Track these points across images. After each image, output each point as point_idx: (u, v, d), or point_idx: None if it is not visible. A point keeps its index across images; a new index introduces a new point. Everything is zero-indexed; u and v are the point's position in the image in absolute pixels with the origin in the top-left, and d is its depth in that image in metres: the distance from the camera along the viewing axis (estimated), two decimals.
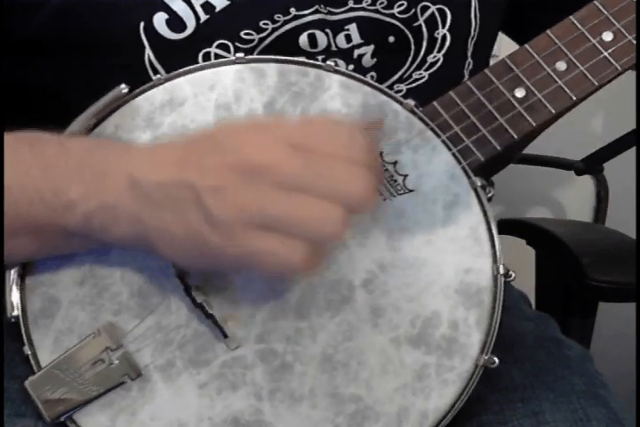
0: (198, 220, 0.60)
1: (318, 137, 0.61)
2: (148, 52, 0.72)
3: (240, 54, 0.69)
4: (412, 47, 0.78)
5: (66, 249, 0.67)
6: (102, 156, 0.64)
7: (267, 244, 0.59)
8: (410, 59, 0.78)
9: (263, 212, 0.59)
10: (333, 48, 0.75)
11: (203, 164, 0.60)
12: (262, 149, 0.59)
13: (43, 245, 0.66)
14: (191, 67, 0.70)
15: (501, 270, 0.68)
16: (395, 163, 0.69)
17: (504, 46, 0.94)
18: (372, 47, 0.76)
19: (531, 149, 1.09)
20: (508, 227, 1.14)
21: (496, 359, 0.67)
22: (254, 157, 0.59)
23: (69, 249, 0.67)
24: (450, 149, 0.69)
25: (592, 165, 1.41)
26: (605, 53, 0.69)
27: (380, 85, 0.70)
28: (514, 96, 0.69)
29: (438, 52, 0.79)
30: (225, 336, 0.67)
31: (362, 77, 0.70)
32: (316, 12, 0.73)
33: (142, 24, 0.71)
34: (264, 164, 0.59)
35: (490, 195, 0.69)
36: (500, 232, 0.69)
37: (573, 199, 1.67)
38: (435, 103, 0.69)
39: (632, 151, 1.26)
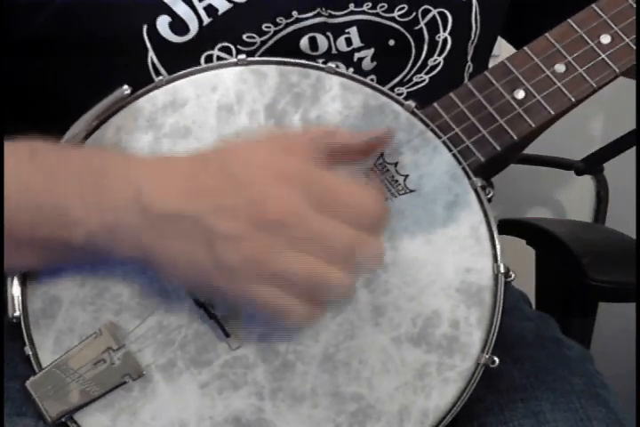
0: (206, 260, 0.61)
1: (341, 198, 0.62)
2: (151, 54, 0.72)
3: (242, 56, 0.69)
4: (413, 51, 0.78)
5: (69, 261, 0.67)
6: (103, 169, 0.63)
7: (269, 297, 0.61)
8: (410, 62, 0.78)
9: (271, 267, 0.60)
10: (334, 51, 0.75)
11: (220, 206, 0.60)
12: (282, 202, 0.60)
13: (45, 258, 0.66)
14: (193, 68, 0.70)
15: (502, 269, 0.68)
16: (396, 163, 0.69)
17: (504, 46, 0.94)
18: (372, 50, 0.76)
19: (531, 149, 1.09)
20: (508, 227, 1.14)
21: (496, 359, 0.67)
22: (272, 210, 0.60)
23: (72, 261, 0.68)
24: (450, 150, 0.69)
25: (592, 165, 1.40)
26: (603, 56, 0.70)
27: (380, 87, 0.70)
28: (513, 98, 0.69)
29: (439, 55, 0.79)
30: (227, 336, 0.67)
31: (363, 79, 0.70)
32: (318, 15, 0.73)
33: (145, 27, 0.71)
34: (280, 219, 0.60)
35: (490, 195, 0.69)
36: (500, 232, 0.69)
37: (573, 199, 1.67)
38: (435, 104, 0.70)
39: (632, 151, 1.26)
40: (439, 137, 0.69)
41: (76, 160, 0.65)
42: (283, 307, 0.62)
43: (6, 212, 0.63)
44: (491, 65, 0.87)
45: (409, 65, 0.78)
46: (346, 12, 0.75)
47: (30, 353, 0.68)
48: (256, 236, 0.60)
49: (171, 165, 0.64)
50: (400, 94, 0.78)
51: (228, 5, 0.72)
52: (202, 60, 0.72)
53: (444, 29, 0.78)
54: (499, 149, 0.69)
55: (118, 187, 0.62)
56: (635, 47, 0.70)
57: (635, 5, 0.70)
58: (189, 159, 0.64)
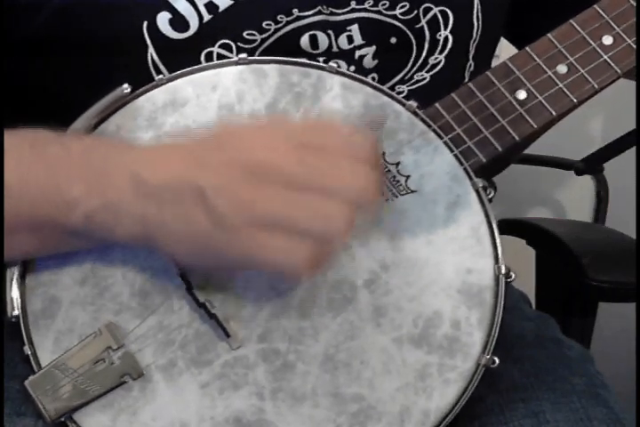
0: (202, 218, 0.60)
1: (323, 136, 0.61)
2: (151, 51, 0.72)
3: (243, 55, 0.69)
4: (414, 49, 0.78)
5: (67, 247, 0.67)
6: (104, 154, 0.64)
7: (271, 242, 0.59)
8: (411, 60, 0.78)
9: (268, 211, 0.59)
10: (335, 49, 0.75)
11: (207, 162, 0.60)
12: (268, 148, 0.60)
13: (44, 242, 0.66)
14: (193, 67, 0.70)
15: (503, 270, 0.68)
16: (397, 164, 0.69)
17: (504, 47, 0.94)
18: (373, 48, 0.76)
19: (531, 149, 1.09)
20: (508, 227, 1.14)
21: (497, 359, 0.67)
22: (259, 156, 0.59)
23: (71, 247, 0.67)
24: (452, 151, 0.69)
25: (592, 165, 1.41)
26: (605, 57, 0.70)
27: (381, 86, 0.70)
28: (515, 98, 0.69)
29: (440, 53, 0.79)
30: (227, 336, 0.67)
31: (364, 78, 0.70)
32: (319, 12, 0.73)
33: (145, 23, 0.71)
34: (269, 162, 0.59)
35: (490, 196, 0.69)
36: (500, 232, 0.69)
37: (573, 199, 1.67)
38: (437, 105, 0.70)
39: (632, 151, 1.26)
40: (441, 137, 0.69)
41: (77, 145, 0.65)
42: (284, 250, 0.60)
43: (8, 195, 0.63)
44: (492, 64, 0.88)
45: (410, 63, 0.78)
46: (347, 9, 0.75)
47: (29, 353, 0.68)
48: (246, 182, 0.59)
49: (167, 147, 0.64)
50: (401, 92, 0.78)
51: (229, 2, 0.72)
52: (202, 57, 0.72)
53: (445, 28, 0.78)
54: (500, 149, 0.69)
55: (117, 168, 0.62)
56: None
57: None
58: (186, 142, 0.64)
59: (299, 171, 0.59)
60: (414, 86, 0.79)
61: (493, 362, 0.67)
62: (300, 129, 0.62)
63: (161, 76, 0.70)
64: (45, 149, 0.64)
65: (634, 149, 1.25)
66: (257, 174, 0.59)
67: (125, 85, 0.68)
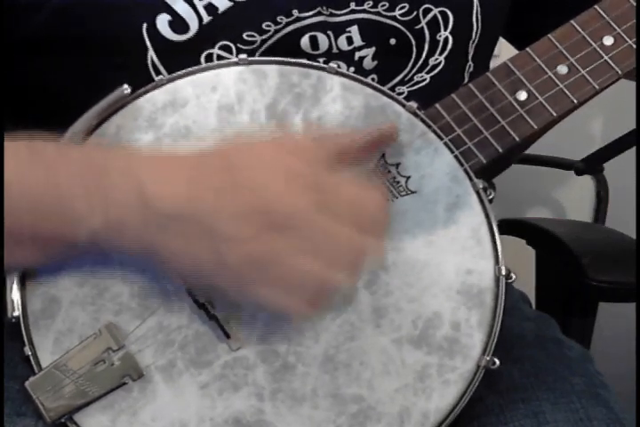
0: (209, 260, 0.61)
1: (347, 202, 0.62)
2: (151, 53, 0.71)
3: (243, 55, 0.69)
4: (414, 50, 0.77)
5: (67, 258, 0.67)
6: (105, 167, 0.63)
7: (271, 298, 0.62)
8: (411, 61, 0.78)
9: (273, 270, 0.61)
10: (334, 50, 0.75)
11: (222, 206, 0.60)
12: (286, 202, 0.60)
13: (47, 254, 0.66)
14: (193, 68, 0.70)
15: (503, 271, 0.68)
16: (397, 164, 0.69)
17: (504, 47, 0.94)
18: (373, 49, 0.76)
19: (531, 149, 1.09)
20: (508, 227, 1.14)
21: (497, 361, 0.67)
22: (279, 214, 0.60)
23: (71, 258, 0.67)
24: (452, 151, 0.69)
25: (592, 165, 1.40)
26: (606, 57, 0.70)
27: (382, 87, 0.70)
28: (515, 99, 0.69)
29: (440, 54, 0.79)
30: (227, 337, 0.67)
31: (364, 79, 0.70)
32: (318, 13, 0.73)
33: (145, 25, 0.71)
34: (284, 221, 0.60)
35: (491, 197, 0.69)
36: (500, 232, 0.69)
37: (573, 199, 1.67)
38: (437, 105, 0.70)
39: (632, 151, 1.26)
40: (441, 138, 0.69)
41: (76, 157, 0.64)
42: (284, 308, 0.62)
43: (8, 209, 0.62)
44: (491, 65, 0.88)
45: (410, 64, 0.78)
46: (347, 10, 0.74)
47: (30, 353, 0.68)
48: (259, 237, 0.60)
49: (174, 163, 0.64)
50: (401, 93, 0.78)
51: (229, 4, 0.72)
52: (202, 58, 0.72)
53: (445, 28, 0.78)
54: (500, 150, 0.69)
55: (121, 184, 0.62)
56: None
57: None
58: (193, 158, 0.64)
59: (311, 235, 0.61)
60: (414, 87, 0.79)
61: (494, 363, 0.67)
62: (325, 184, 0.62)
63: (161, 77, 0.70)
64: (45, 163, 0.64)
65: (634, 149, 1.25)
66: (270, 231, 0.60)
67: (125, 86, 0.68)
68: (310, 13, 0.73)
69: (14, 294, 0.68)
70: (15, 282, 0.68)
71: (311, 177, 0.62)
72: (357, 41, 0.75)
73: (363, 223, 0.62)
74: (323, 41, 0.74)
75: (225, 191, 0.61)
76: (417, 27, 0.77)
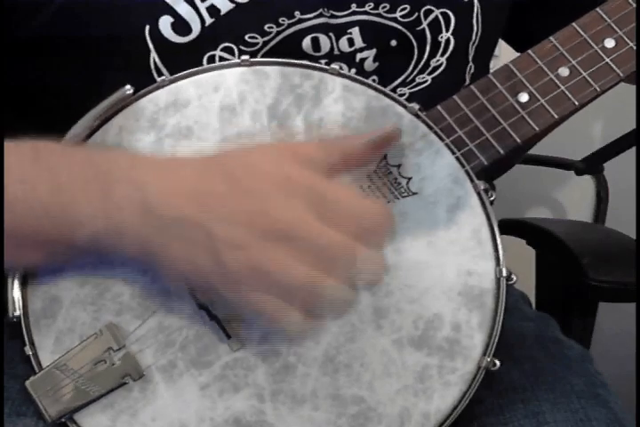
0: (208, 265, 0.61)
1: (347, 212, 0.62)
2: (153, 55, 0.71)
3: (245, 57, 0.69)
4: (415, 51, 0.77)
5: (69, 261, 0.68)
6: (108, 170, 0.63)
7: (267, 305, 0.62)
8: (413, 63, 0.78)
9: (274, 279, 0.61)
10: (336, 52, 0.75)
11: (224, 213, 0.61)
12: (287, 212, 0.61)
13: (48, 256, 0.66)
14: (196, 69, 0.70)
15: (504, 273, 0.68)
16: (399, 166, 0.69)
17: (504, 48, 0.94)
18: (374, 51, 0.76)
19: (531, 149, 1.09)
20: (509, 227, 1.14)
21: (497, 362, 0.67)
22: (278, 220, 0.60)
23: (75, 260, 0.68)
24: (453, 153, 0.69)
25: (592, 165, 1.40)
26: (607, 60, 0.70)
27: (383, 89, 0.70)
28: (517, 101, 0.69)
29: (441, 55, 0.79)
30: (228, 337, 0.67)
31: (365, 80, 0.70)
32: (320, 15, 0.73)
33: (148, 27, 0.71)
34: (286, 230, 0.60)
35: (492, 198, 0.69)
36: (500, 233, 0.69)
37: (573, 199, 1.67)
38: (439, 107, 0.70)
39: (632, 151, 1.25)
40: (442, 140, 0.69)
41: (79, 160, 0.64)
42: (280, 316, 0.62)
43: (10, 211, 0.63)
44: (491, 65, 0.88)
45: (411, 65, 0.78)
46: (348, 12, 0.74)
47: (30, 353, 0.68)
48: (259, 245, 0.60)
49: (176, 168, 0.64)
50: (402, 95, 0.78)
51: (231, 6, 0.72)
52: (204, 60, 0.72)
53: (447, 30, 0.78)
54: (502, 152, 0.69)
55: (123, 188, 0.62)
56: None
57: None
58: (195, 162, 0.64)
59: (313, 244, 0.61)
60: (415, 89, 0.79)
61: (494, 365, 0.67)
62: (326, 194, 0.62)
63: (163, 78, 0.70)
64: (48, 165, 0.64)
65: (634, 149, 1.25)
66: (271, 241, 0.60)
67: (128, 86, 0.68)
68: (312, 15, 0.73)
69: (15, 294, 0.68)
70: (16, 281, 0.68)
71: (309, 184, 0.62)
72: (359, 42, 0.75)
73: (363, 234, 0.62)
74: (324, 42, 0.74)
75: (226, 199, 0.61)
76: (418, 28, 0.77)
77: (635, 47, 0.70)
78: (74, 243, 0.63)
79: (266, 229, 0.60)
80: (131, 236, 0.62)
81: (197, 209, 0.61)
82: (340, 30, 0.74)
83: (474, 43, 0.81)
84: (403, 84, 0.78)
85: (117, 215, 0.61)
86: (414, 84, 0.79)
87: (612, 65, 0.69)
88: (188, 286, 0.66)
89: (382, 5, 0.75)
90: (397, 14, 0.76)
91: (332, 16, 0.74)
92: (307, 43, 0.73)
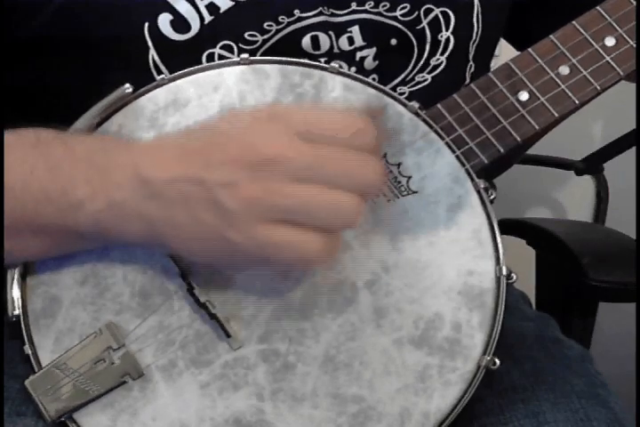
0: (212, 216, 0.60)
1: (325, 125, 0.61)
2: (152, 52, 0.71)
3: (245, 55, 0.69)
4: (415, 50, 0.78)
5: (71, 249, 0.67)
6: (106, 153, 0.63)
7: (283, 236, 0.60)
8: (413, 61, 0.78)
9: (276, 204, 0.59)
10: (336, 50, 0.75)
11: (210, 158, 0.60)
12: (270, 140, 0.59)
13: (48, 245, 0.66)
14: (195, 67, 0.70)
15: (504, 272, 0.68)
16: (399, 164, 0.69)
17: (505, 47, 0.94)
18: (374, 50, 0.76)
19: (531, 149, 1.09)
20: (508, 227, 1.14)
21: (497, 361, 0.67)
22: (262, 149, 0.59)
23: (75, 249, 0.67)
24: (453, 152, 0.69)
25: (592, 165, 1.40)
26: (608, 58, 0.70)
27: (383, 87, 0.70)
28: (517, 99, 0.69)
29: (441, 54, 0.79)
30: (228, 336, 0.67)
31: (366, 79, 0.70)
32: (320, 13, 0.73)
33: (147, 25, 0.71)
34: (273, 155, 0.59)
35: (492, 197, 0.69)
36: (500, 232, 0.69)
37: (573, 199, 1.67)
38: (439, 106, 0.70)
39: (632, 151, 1.25)
40: (442, 138, 0.69)
41: (79, 145, 0.65)
42: (298, 243, 0.60)
43: (11, 196, 0.63)
44: (491, 65, 0.88)
45: (411, 64, 0.78)
46: (348, 10, 0.74)
47: (30, 352, 0.68)
48: (252, 177, 0.59)
49: (163, 140, 0.64)
50: (402, 93, 0.78)
51: (230, 3, 0.72)
52: (203, 58, 0.72)
53: (447, 29, 0.78)
54: (502, 150, 0.69)
55: (120, 167, 0.62)
56: None
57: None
58: (180, 131, 0.64)
59: (303, 162, 0.59)
60: (415, 87, 0.79)
61: (494, 363, 0.67)
62: (303, 118, 0.61)
63: (163, 76, 0.70)
64: (48, 150, 0.64)
65: (634, 149, 1.25)
66: (261, 168, 0.59)
67: (127, 85, 0.68)
68: (312, 13, 0.73)
69: (15, 293, 0.69)
70: (16, 281, 0.68)
71: (285, 113, 0.61)
72: (358, 41, 0.75)
73: (353, 143, 0.60)
74: (324, 41, 0.74)
75: (209, 147, 0.60)
76: (418, 27, 0.77)
77: (635, 46, 0.70)
78: (76, 226, 0.63)
79: (253, 161, 0.59)
80: (131, 210, 0.61)
81: (182, 166, 0.60)
82: (340, 29, 0.74)
83: (474, 42, 0.81)
84: (402, 82, 0.78)
85: (117, 193, 0.61)
86: (414, 82, 0.79)
87: (613, 63, 0.69)
88: (198, 251, 0.63)
89: (382, 4, 0.75)
90: (397, 13, 0.76)
91: (332, 14, 0.74)
92: (306, 41, 0.73)
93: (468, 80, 0.82)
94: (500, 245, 0.68)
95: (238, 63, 0.70)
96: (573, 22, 0.70)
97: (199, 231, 0.61)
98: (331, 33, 0.74)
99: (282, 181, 0.59)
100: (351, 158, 0.60)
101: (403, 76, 0.78)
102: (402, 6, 0.75)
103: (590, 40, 0.70)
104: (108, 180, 0.62)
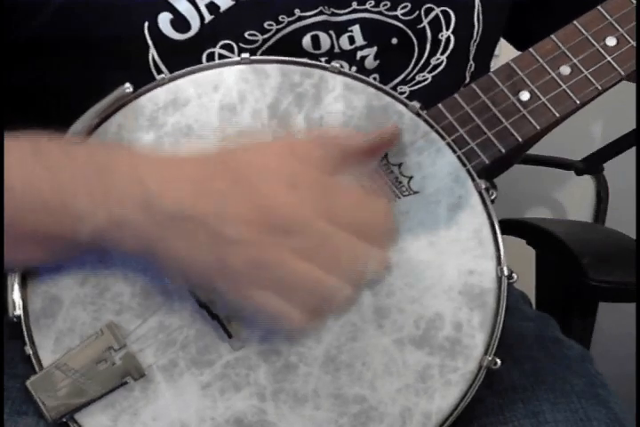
0: (209, 261, 0.61)
1: (351, 210, 0.63)
2: (152, 52, 0.71)
3: (245, 55, 0.69)
4: (416, 49, 0.77)
5: (71, 257, 0.67)
6: (109, 166, 0.63)
7: (267, 302, 0.62)
8: (413, 61, 0.78)
9: (276, 275, 0.61)
10: (336, 50, 0.75)
11: (226, 209, 0.60)
12: (292, 211, 0.61)
13: (49, 253, 0.66)
14: (195, 67, 0.70)
15: (505, 272, 0.68)
16: (400, 164, 0.69)
17: (505, 47, 0.94)
18: (374, 49, 0.76)
19: (531, 149, 1.09)
20: (508, 227, 1.14)
21: (498, 361, 0.67)
22: (282, 219, 0.60)
23: (72, 256, 0.67)
24: (454, 152, 0.69)
25: (592, 165, 1.40)
26: (609, 58, 0.70)
27: (384, 87, 0.70)
28: (518, 99, 0.69)
29: (442, 54, 0.79)
30: (229, 336, 0.67)
31: (366, 79, 0.70)
32: (320, 13, 0.73)
33: (147, 24, 0.71)
34: (290, 228, 0.60)
35: (493, 197, 0.69)
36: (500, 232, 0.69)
37: (573, 199, 1.67)
38: (440, 105, 0.70)
39: (632, 151, 1.25)
40: (443, 138, 0.69)
41: (80, 156, 0.64)
42: (279, 313, 0.62)
43: (10, 207, 0.62)
44: (491, 64, 0.88)
45: (412, 63, 0.78)
46: (348, 10, 0.74)
47: (31, 353, 0.68)
48: (261, 241, 0.60)
49: (176, 164, 0.64)
50: (403, 93, 0.78)
51: (230, 3, 0.72)
52: (203, 57, 0.72)
53: (447, 28, 0.78)
54: (503, 150, 0.69)
55: (125, 183, 0.62)
56: None
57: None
58: (195, 159, 0.64)
59: (316, 243, 0.61)
60: (416, 87, 0.79)
61: (495, 363, 0.67)
62: (328, 192, 0.63)
63: (162, 76, 0.70)
64: (48, 159, 0.64)
65: (634, 149, 1.25)
66: (274, 235, 0.60)
67: (127, 85, 0.68)
68: (312, 13, 0.73)
69: (15, 294, 0.68)
70: (16, 281, 0.68)
71: (312, 181, 0.62)
72: (359, 40, 0.75)
73: (366, 232, 0.62)
74: (324, 40, 0.74)
75: (229, 195, 0.61)
76: (419, 26, 0.77)
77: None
78: (75, 239, 0.63)
79: (268, 225, 0.60)
80: (132, 230, 0.62)
81: (198, 205, 0.61)
82: (341, 28, 0.74)
83: (475, 41, 0.81)
84: (403, 82, 0.78)
85: (119, 210, 0.61)
86: (414, 82, 0.79)
87: (614, 63, 0.69)
88: (188, 282, 0.66)
89: (383, 3, 0.75)
90: (398, 12, 0.75)
91: (333, 14, 0.74)
92: (307, 40, 0.73)
93: (468, 80, 0.82)
94: (501, 245, 0.68)
95: (238, 63, 0.70)
96: (574, 22, 0.70)
97: (192, 266, 0.62)
98: (331, 32, 0.74)
99: (287, 252, 0.60)
100: (360, 249, 0.62)
101: (403, 75, 0.78)
102: (402, 5, 0.75)
103: (591, 40, 0.70)
104: (111, 196, 0.61)
